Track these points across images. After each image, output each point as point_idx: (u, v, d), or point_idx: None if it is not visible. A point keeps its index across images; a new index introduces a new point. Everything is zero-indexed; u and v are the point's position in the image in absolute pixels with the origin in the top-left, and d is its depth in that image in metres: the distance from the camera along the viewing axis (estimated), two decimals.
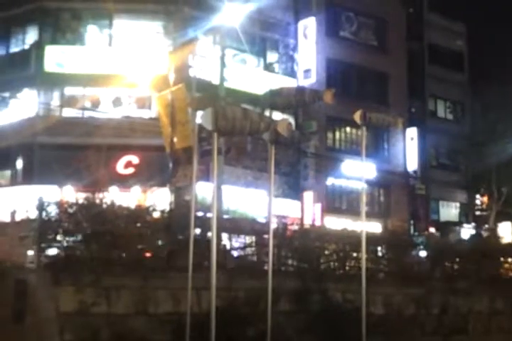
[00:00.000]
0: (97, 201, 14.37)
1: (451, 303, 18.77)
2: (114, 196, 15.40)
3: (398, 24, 43.06)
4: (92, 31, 33.12)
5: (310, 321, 15.28)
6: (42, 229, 13.54)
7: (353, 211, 33.94)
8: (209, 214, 14.00)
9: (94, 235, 13.65)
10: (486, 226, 42.49)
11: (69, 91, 32.41)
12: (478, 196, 45.51)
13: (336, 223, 31.86)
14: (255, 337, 13.54)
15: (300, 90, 16.68)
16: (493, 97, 38.52)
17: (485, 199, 44.78)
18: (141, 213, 14.67)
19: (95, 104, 32.05)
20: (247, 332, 13.83)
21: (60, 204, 14.06)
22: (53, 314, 12.68)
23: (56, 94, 32.42)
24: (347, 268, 17.65)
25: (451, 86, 44.88)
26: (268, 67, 36.32)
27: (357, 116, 15.21)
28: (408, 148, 42.09)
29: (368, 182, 22.82)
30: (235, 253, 16.46)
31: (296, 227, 19.07)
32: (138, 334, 13.19)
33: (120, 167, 30.63)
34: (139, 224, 14.46)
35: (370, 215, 22.88)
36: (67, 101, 31.99)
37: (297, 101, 15.23)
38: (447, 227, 41.36)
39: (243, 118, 12.37)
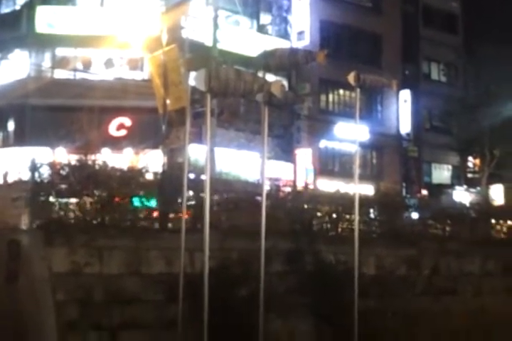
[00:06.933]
0: (90, 163, 14.34)
1: (442, 264, 18.89)
2: (106, 158, 15.35)
3: None
4: None
5: (302, 282, 15.38)
6: (34, 190, 13.52)
7: (345, 173, 34.04)
8: (202, 177, 13.99)
9: (87, 196, 13.68)
10: (478, 188, 42.67)
11: (60, 52, 32.17)
12: (470, 158, 45.60)
13: (328, 185, 31.91)
14: (248, 297, 13.63)
15: (293, 51, 16.56)
16: (487, 59, 38.35)
17: (477, 161, 44.85)
18: (133, 175, 14.65)
19: (87, 66, 31.83)
20: (239, 292, 13.92)
21: (52, 166, 14.02)
22: (46, 274, 12.73)
23: (47, 55, 32.19)
24: (339, 229, 17.70)
25: (445, 48, 44.67)
26: (261, 29, 36.04)
27: (351, 78, 15.13)
28: (401, 111, 42.08)
29: (361, 144, 22.74)
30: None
31: (288, 189, 19.12)
32: (131, 293, 13.28)
33: (112, 129, 30.55)
34: (131, 186, 14.47)
35: (362, 177, 22.77)
36: (59, 63, 31.79)
37: (290, 62, 15.12)
38: (439, 189, 41.55)
39: (236, 78, 12.30)
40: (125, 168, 14.83)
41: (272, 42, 33.67)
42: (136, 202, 14.61)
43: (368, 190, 28.96)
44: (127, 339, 13.07)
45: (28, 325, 13.00)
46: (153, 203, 15.03)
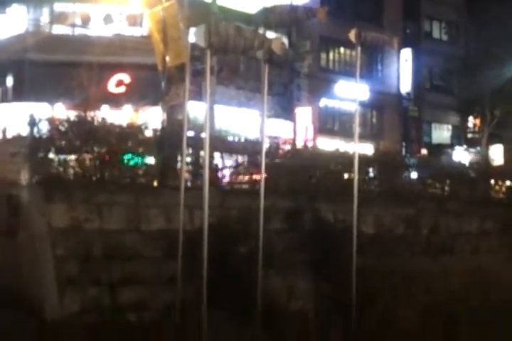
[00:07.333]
0: (89, 119, 14.27)
1: (441, 224, 18.92)
2: (105, 115, 15.28)
3: None
4: None
5: (301, 240, 15.41)
6: (33, 146, 13.47)
7: (345, 132, 33.97)
8: (202, 134, 13.94)
9: (86, 152, 13.64)
10: (478, 148, 42.67)
11: (59, 7, 31.84)
12: (470, 118, 45.51)
13: (328, 144, 31.89)
14: (247, 254, 13.67)
15: (294, 8, 16.44)
16: (488, 18, 38.05)
17: (477, 121, 44.77)
18: (133, 131, 14.59)
19: (86, 21, 31.56)
20: (239, 249, 13.95)
21: (51, 122, 13.95)
22: (46, 229, 12.75)
23: (46, 11, 31.89)
24: (339, 188, 17.65)
25: (446, 7, 44.29)
26: None
27: (352, 35, 15.05)
28: (402, 70, 41.87)
29: (361, 103, 22.67)
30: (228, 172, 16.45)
31: (288, 147, 19.07)
32: (130, 250, 13.30)
33: (112, 85, 30.37)
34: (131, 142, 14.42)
35: (362, 136, 22.84)
36: (57, 18, 31.51)
37: (291, 18, 15.04)
38: (439, 149, 41.54)
39: (236, 35, 12.23)
40: (124, 124, 14.77)
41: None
42: (135, 158, 14.58)
43: (368, 149, 28.98)
44: (127, 295, 13.12)
45: (27, 280, 13.07)
46: (152, 160, 15.00)
